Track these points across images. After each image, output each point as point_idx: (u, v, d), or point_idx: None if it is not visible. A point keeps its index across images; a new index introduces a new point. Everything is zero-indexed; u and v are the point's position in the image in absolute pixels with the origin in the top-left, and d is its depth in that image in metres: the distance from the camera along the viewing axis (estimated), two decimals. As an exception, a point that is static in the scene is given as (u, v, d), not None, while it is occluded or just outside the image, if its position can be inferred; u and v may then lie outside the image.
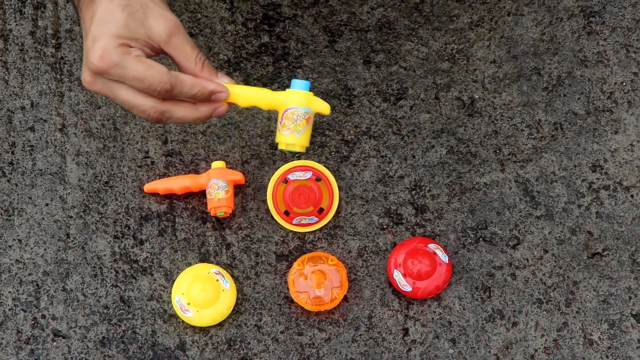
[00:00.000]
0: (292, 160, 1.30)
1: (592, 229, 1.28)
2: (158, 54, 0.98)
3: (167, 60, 1.29)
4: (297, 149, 1.06)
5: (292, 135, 1.05)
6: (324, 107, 1.07)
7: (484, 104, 1.33)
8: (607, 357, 1.24)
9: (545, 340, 1.24)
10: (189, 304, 1.23)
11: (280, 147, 1.06)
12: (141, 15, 0.94)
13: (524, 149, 1.31)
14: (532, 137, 1.31)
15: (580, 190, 1.29)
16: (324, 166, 1.30)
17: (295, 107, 1.04)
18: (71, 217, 1.30)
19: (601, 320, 1.25)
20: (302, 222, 1.28)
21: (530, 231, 1.28)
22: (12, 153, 1.32)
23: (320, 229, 1.29)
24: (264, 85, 1.34)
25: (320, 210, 1.28)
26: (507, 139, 1.31)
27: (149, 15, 0.95)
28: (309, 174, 1.28)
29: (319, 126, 1.32)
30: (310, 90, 1.06)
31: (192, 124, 1.21)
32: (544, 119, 1.32)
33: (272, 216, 1.29)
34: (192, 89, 0.98)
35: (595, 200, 1.29)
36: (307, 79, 1.34)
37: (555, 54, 1.34)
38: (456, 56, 1.35)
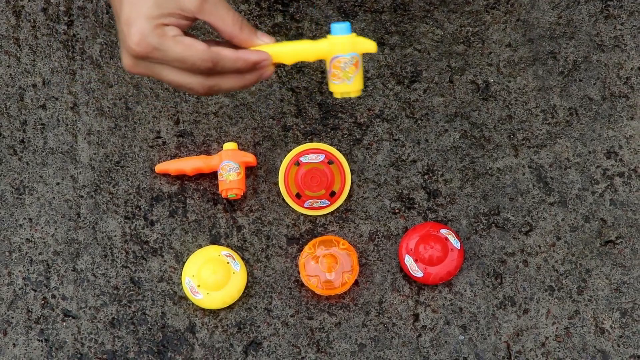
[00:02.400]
0: (305, 144, 1.30)
1: (605, 216, 1.27)
2: (193, 22, 0.95)
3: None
4: (353, 95, 1.03)
5: (344, 84, 1.02)
6: (369, 46, 1.02)
7: (498, 88, 1.32)
8: (618, 345, 1.23)
9: (557, 328, 1.24)
10: (199, 286, 1.23)
11: (335, 96, 1.04)
12: None
13: (538, 134, 1.30)
14: (547, 122, 1.30)
15: (595, 177, 1.28)
16: (337, 149, 1.29)
17: (341, 54, 1.01)
18: (82, 196, 1.30)
19: (613, 308, 1.24)
20: (313, 206, 1.27)
21: (543, 218, 1.27)
22: (24, 131, 1.32)
23: (332, 213, 1.28)
24: (277, 66, 1.32)
25: (332, 194, 1.28)
26: (521, 123, 1.30)
27: None
28: (321, 157, 1.28)
29: (332, 108, 1.31)
30: (351, 32, 1.02)
31: (242, 90, 1.17)
32: (559, 104, 1.31)
33: (283, 199, 1.29)
34: (235, 64, 0.96)
35: (610, 187, 1.28)
36: (320, 60, 1.32)
37: (571, 38, 1.33)
38: (471, 39, 1.33)
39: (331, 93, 1.04)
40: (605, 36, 1.33)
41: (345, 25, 1.01)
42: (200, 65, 0.93)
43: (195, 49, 0.92)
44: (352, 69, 1.01)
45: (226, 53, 0.94)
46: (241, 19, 0.96)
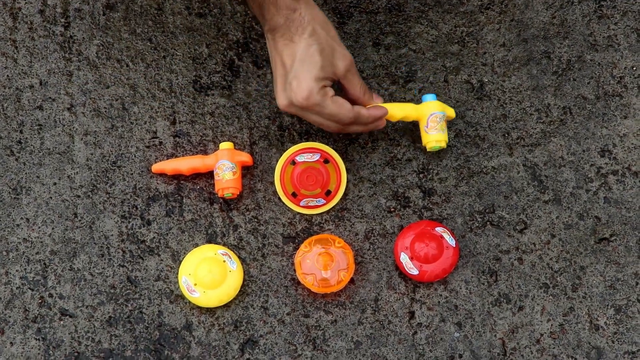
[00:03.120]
0: (301, 143, 1.30)
1: (599, 214, 1.28)
2: (334, 81, 1.18)
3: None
4: (443, 144, 1.26)
5: (438, 134, 1.26)
6: (452, 111, 1.28)
7: (493, 87, 1.32)
8: (612, 342, 1.24)
9: (552, 324, 1.24)
10: (195, 284, 1.24)
11: (429, 145, 1.27)
12: (330, 56, 1.15)
13: (532, 133, 1.31)
14: (541, 121, 1.31)
15: (589, 175, 1.29)
16: (332, 148, 1.30)
17: (436, 111, 1.26)
18: (79, 196, 1.30)
19: (607, 305, 1.25)
20: (309, 204, 1.28)
21: (538, 215, 1.28)
22: (21, 132, 1.32)
23: (328, 212, 1.29)
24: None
25: (328, 193, 1.28)
26: (515, 122, 1.31)
27: (335, 56, 1.16)
28: (317, 156, 1.28)
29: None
30: (438, 101, 1.28)
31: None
32: (553, 103, 1.32)
33: (279, 198, 1.29)
34: (367, 120, 1.21)
35: (604, 185, 1.29)
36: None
37: (565, 38, 1.34)
38: (466, 39, 1.34)
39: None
40: (599, 36, 1.34)
41: (433, 95, 1.27)
42: (345, 119, 1.18)
43: (345, 109, 1.17)
44: (444, 124, 1.26)
45: (363, 112, 1.20)
46: (366, 86, 1.22)
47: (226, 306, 1.26)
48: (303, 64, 1.14)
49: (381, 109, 1.22)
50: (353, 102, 1.21)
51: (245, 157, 1.28)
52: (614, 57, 1.33)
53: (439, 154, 1.30)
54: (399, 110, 1.26)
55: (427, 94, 1.30)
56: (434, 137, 1.26)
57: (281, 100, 1.17)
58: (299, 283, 1.27)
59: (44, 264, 1.28)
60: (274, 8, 1.14)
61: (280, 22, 1.14)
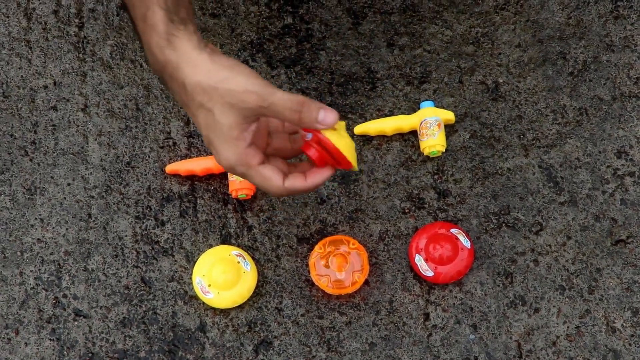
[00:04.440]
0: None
1: (616, 215, 1.27)
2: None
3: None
4: (438, 148, 1.27)
5: (430, 139, 1.26)
6: (449, 115, 1.28)
7: (508, 88, 1.32)
8: (629, 344, 1.23)
9: (568, 327, 1.24)
10: (209, 285, 1.23)
11: (425, 152, 1.27)
12: (232, 108, 0.97)
13: (548, 134, 1.30)
14: (557, 122, 1.30)
15: (605, 177, 1.28)
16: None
17: (427, 118, 1.27)
18: (93, 197, 1.30)
19: (624, 307, 1.24)
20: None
21: (554, 217, 1.27)
22: (35, 132, 1.32)
23: (342, 213, 1.28)
24: (287, 68, 1.33)
25: None
26: (531, 123, 1.30)
27: (236, 102, 0.97)
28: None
29: (342, 109, 1.31)
30: (434, 107, 1.29)
31: None
32: (568, 104, 1.31)
33: (293, 198, 1.29)
34: (305, 192, 1.04)
35: (620, 186, 1.28)
36: (329, 61, 1.33)
37: (581, 39, 1.33)
38: (481, 40, 1.34)
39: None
40: (615, 36, 1.33)
41: (431, 102, 1.29)
42: (276, 195, 1.02)
43: (271, 185, 1.00)
44: (436, 129, 1.26)
45: (298, 186, 1.02)
46: (299, 105, 0.97)
47: (240, 307, 1.26)
48: (210, 132, 0.99)
49: (324, 174, 1.03)
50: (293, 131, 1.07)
51: (259, 158, 1.27)
52: (630, 57, 1.32)
53: (455, 154, 1.29)
54: (389, 125, 1.28)
55: (424, 101, 1.30)
56: (426, 142, 1.27)
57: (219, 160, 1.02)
58: (313, 284, 1.26)
59: (58, 264, 1.28)
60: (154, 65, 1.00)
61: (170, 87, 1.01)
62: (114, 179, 1.31)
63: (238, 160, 0.99)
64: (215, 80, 0.96)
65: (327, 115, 0.98)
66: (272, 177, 1.00)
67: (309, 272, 1.26)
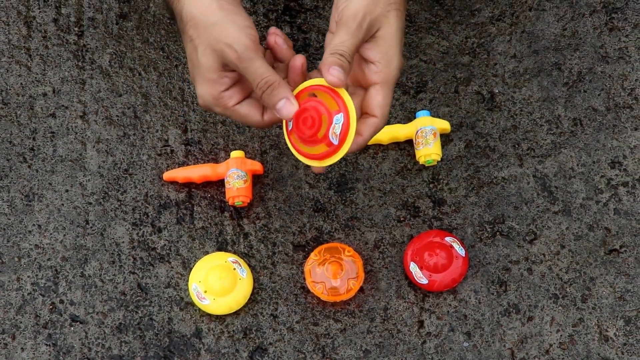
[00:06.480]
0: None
1: (609, 225, 1.28)
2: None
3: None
4: (434, 157, 1.27)
5: (425, 148, 1.27)
6: (445, 124, 1.29)
7: (503, 98, 1.33)
8: (622, 353, 1.23)
9: (561, 335, 1.24)
10: (205, 292, 1.24)
11: (420, 160, 1.29)
12: (215, 51, 0.99)
13: (542, 144, 1.31)
14: (552, 132, 1.31)
15: (599, 187, 1.29)
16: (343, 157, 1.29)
17: (422, 127, 1.27)
18: (90, 203, 1.31)
19: (617, 316, 1.25)
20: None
21: (548, 226, 1.28)
22: (34, 139, 1.33)
23: (338, 221, 1.29)
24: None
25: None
26: (526, 133, 1.31)
27: (221, 46, 0.98)
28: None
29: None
30: (430, 116, 1.29)
31: None
32: (563, 115, 1.32)
33: (289, 206, 1.30)
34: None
35: (614, 196, 1.29)
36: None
37: (576, 50, 1.34)
38: (477, 50, 1.35)
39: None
40: (610, 48, 1.34)
41: (427, 111, 1.29)
42: (260, 128, 1.06)
43: (251, 122, 1.03)
44: (432, 137, 1.27)
45: (276, 117, 1.02)
46: (266, 85, 0.98)
47: (236, 314, 1.27)
48: (193, 67, 1.02)
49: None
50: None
51: (256, 166, 1.28)
52: (624, 69, 1.33)
53: (450, 163, 1.30)
54: (385, 134, 1.29)
55: (420, 110, 1.31)
56: (421, 151, 1.28)
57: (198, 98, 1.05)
58: (308, 291, 1.27)
59: (55, 270, 1.28)
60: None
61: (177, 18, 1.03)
62: (111, 186, 1.31)
63: (214, 102, 1.02)
64: (207, 20, 0.98)
65: (284, 107, 0.99)
66: (249, 114, 1.03)
67: (304, 279, 1.27)
